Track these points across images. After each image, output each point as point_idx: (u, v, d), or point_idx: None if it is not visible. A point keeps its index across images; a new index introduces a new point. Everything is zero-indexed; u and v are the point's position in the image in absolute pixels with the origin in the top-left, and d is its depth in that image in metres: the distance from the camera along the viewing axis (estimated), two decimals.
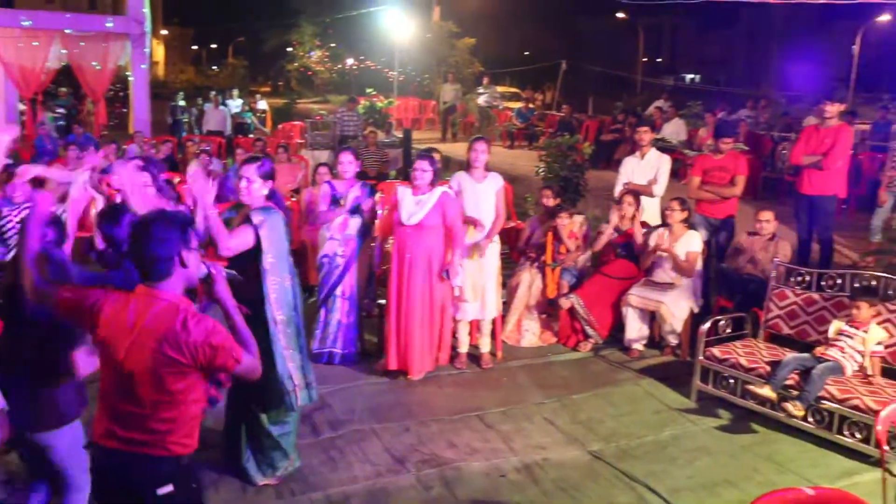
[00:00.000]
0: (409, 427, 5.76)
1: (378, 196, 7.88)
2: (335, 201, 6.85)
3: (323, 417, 5.85)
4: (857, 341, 5.77)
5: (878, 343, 5.75)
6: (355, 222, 6.82)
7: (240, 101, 20.50)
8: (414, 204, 6.37)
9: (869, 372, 5.75)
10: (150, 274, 2.92)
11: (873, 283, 6.15)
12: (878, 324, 5.86)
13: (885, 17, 33.19)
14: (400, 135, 17.32)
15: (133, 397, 2.89)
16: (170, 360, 2.84)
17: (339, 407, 6.04)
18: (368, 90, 23.39)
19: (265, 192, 4.75)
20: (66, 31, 17.51)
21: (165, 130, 19.09)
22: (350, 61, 41.49)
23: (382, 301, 7.09)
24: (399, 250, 6.46)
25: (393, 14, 26.13)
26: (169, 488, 2.91)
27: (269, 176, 4.73)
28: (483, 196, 6.76)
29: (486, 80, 22.68)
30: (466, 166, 6.91)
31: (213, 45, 62.13)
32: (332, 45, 41.77)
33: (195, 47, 65.24)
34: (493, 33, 38.14)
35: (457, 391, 6.48)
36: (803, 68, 34.52)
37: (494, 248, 6.88)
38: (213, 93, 20.74)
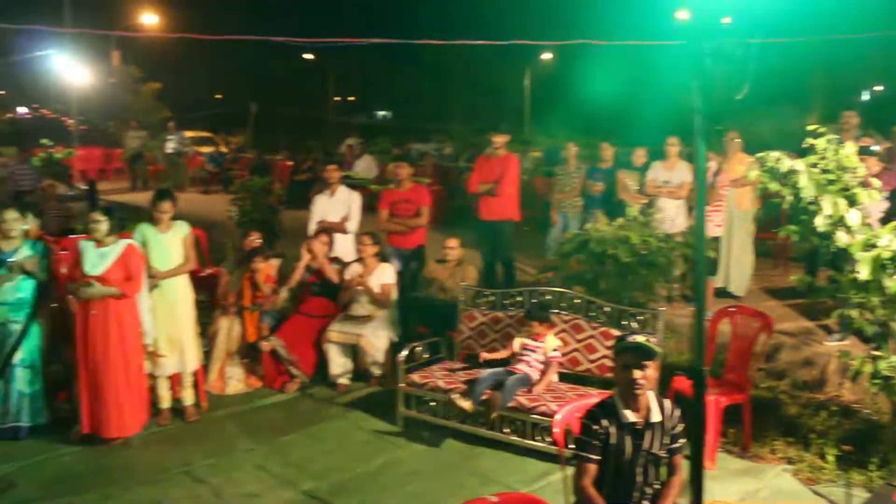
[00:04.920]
0: (111, 494, 5.42)
1: (61, 253, 7.36)
2: (2, 263, 6.30)
3: (9, 500, 5.34)
4: (538, 353, 6.27)
5: (555, 350, 6.29)
6: (28, 284, 6.32)
7: None
8: (97, 256, 6.06)
9: (553, 379, 6.27)
10: None
11: (548, 297, 6.73)
12: (555, 335, 6.41)
13: (547, 56, 36.73)
14: (84, 186, 16.29)
15: None
16: None
17: (27, 484, 5.56)
18: (44, 140, 21.78)
19: None
20: None
21: None
22: (23, 109, 38.49)
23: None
24: (82, 307, 6.09)
25: (65, 59, 24.54)
26: None
27: None
28: (170, 245, 6.59)
29: (171, 126, 21.92)
30: (151, 219, 6.68)
31: None
32: (0, 92, 38.55)
33: None
34: (180, 77, 37.08)
35: (161, 449, 6.20)
36: (484, 101, 37.05)
37: (188, 297, 6.69)
38: None
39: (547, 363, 6.26)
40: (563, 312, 6.63)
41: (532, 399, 5.94)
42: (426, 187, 9.47)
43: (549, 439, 5.72)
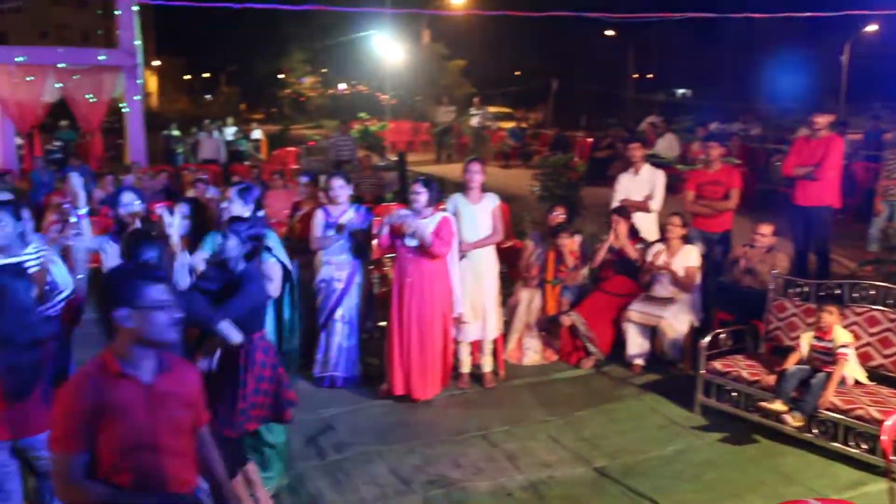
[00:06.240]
0: (415, 448, 5.76)
1: (375, 219, 7.90)
2: (329, 226, 6.88)
3: (328, 440, 5.87)
4: (829, 351, 5.74)
5: (843, 346, 5.69)
6: (350, 246, 6.85)
7: (234, 129, 20.57)
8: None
9: (860, 378, 5.75)
10: None
11: (871, 291, 6.16)
12: (877, 332, 5.86)
13: (872, 28, 33.46)
14: (395, 158, 17.37)
15: None
16: None
17: (343, 429, 6.06)
18: (361, 114, 23.49)
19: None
20: (60, 65, 17.43)
21: (161, 160, 19.13)
22: (342, 86, 41.73)
23: (383, 323, 7.10)
24: (399, 273, 6.50)
25: (382, 38, 26.27)
26: None
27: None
28: (480, 216, 6.82)
29: (476, 101, 22.72)
30: (462, 188, 6.96)
31: (206, 74, 62.47)
32: (324, 70, 42.04)
33: (188, 77, 65.44)
34: (483, 54, 38.29)
35: (461, 411, 6.49)
36: (793, 80, 34.62)
37: (493, 268, 6.92)
38: (207, 122, 20.82)
39: (836, 360, 5.68)
40: (888, 310, 6.04)
41: (847, 401, 5.49)
42: (737, 169, 9.03)
43: (864, 446, 5.26)
